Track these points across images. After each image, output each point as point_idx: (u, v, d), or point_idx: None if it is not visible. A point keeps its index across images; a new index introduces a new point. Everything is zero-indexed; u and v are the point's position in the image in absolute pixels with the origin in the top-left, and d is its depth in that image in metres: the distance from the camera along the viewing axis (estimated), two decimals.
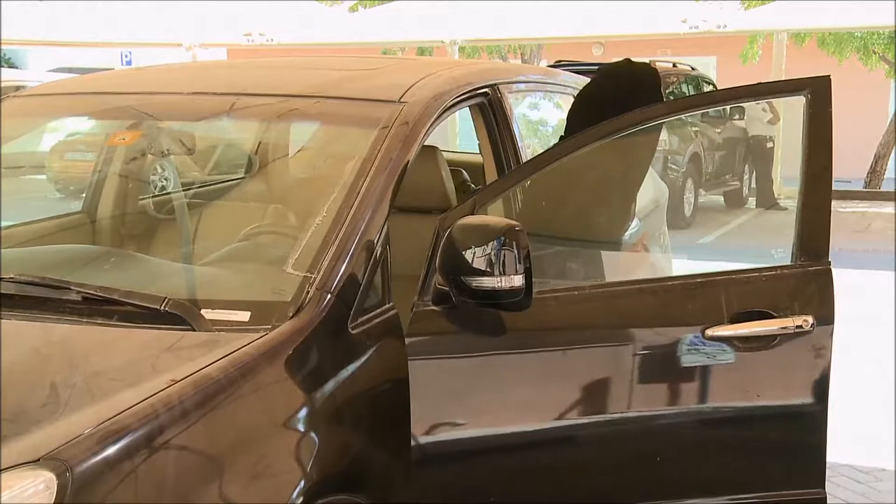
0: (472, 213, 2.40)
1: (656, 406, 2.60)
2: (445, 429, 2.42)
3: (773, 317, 2.54)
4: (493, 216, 2.61)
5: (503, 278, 2.22)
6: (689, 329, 2.53)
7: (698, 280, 2.59)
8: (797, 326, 2.53)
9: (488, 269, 2.22)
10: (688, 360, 2.56)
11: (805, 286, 2.59)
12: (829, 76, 2.70)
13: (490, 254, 2.22)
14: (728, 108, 13.61)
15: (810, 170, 2.62)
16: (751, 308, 2.54)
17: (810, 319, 2.53)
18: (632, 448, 2.62)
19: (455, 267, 2.26)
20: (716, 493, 2.68)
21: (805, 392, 2.64)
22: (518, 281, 2.23)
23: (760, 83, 2.80)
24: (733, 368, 2.58)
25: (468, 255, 2.24)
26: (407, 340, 2.31)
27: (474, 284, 2.23)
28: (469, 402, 2.46)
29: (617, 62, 3.20)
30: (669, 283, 2.73)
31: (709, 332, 2.52)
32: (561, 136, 3.07)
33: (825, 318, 2.56)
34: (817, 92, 2.66)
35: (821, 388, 2.60)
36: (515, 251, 2.23)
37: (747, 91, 2.77)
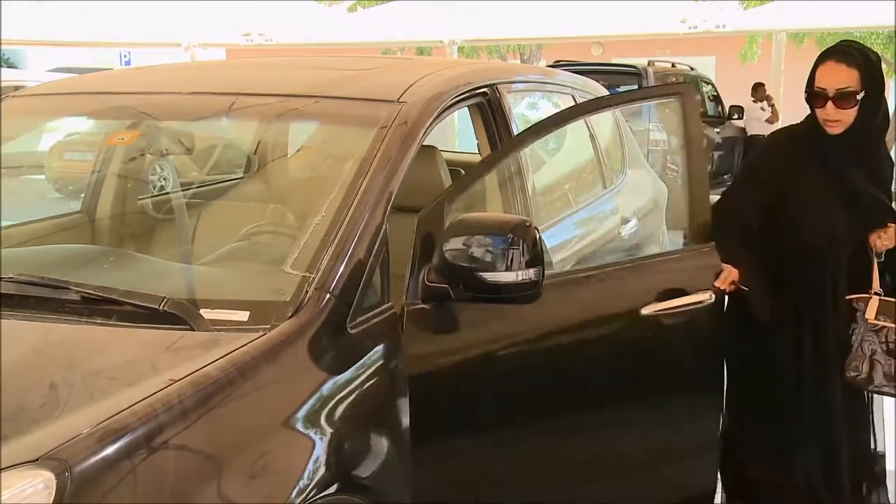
0: (446, 211, 2.43)
1: (603, 381, 2.82)
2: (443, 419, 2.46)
3: (687, 293, 2.87)
4: (500, 213, 2.78)
5: (521, 272, 2.28)
6: (627, 309, 2.81)
7: (627, 266, 2.94)
8: (702, 301, 2.91)
9: (502, 265, 2.27)
10: (627, 335, 2.84)
11: (703, 266, 2.97)
12: (691, 84, 3.01)
13: (504, 248, 2.28)
14: (729, 109, 13.67)
15: (691, 166, 3.02)
16: (670, 287, 2.87)
17: (709, 294, 2.91)
18: (586, 421, 2.79)
19: (464, 263, 2.29)
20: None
21: (712, 356, 3.04)
22: (534, 274, 2.29)
23: (636, 90, 3.07)
24: (661, 342, 2.88)
25: (479, 250, 2.28)
26: (405, 340, 2.32)
27: (490, 279, 2.27)
28: (466, 393, 2.52)
29: None
30: (607, 269, 2.96)
31: (643, 311, 2.78)
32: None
33: (718, 291, 2.96)
34: (686, 97, 3.07)
35: (722, 352, 3.05)
36: (529, 245, 2.29)
37: (624, 98, 3.32)
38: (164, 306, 2.11)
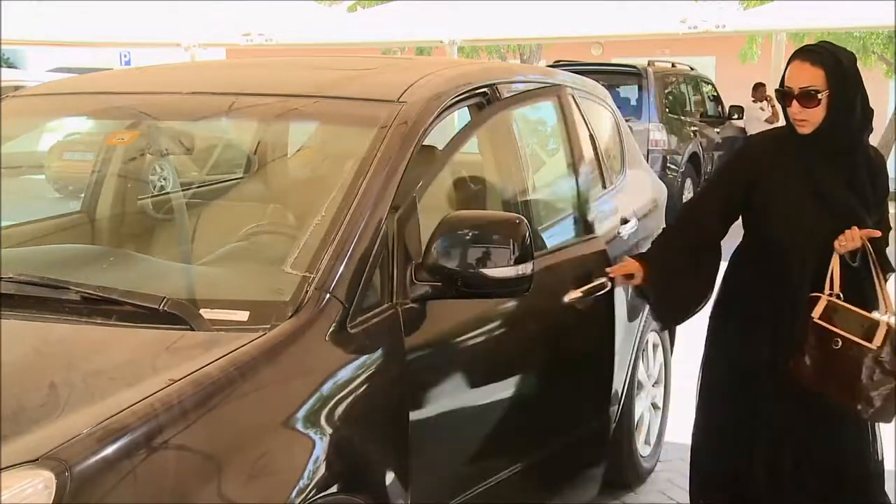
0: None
1: (533, 365, 2.96)
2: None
3: (592, 280, 3.04)
4: (493, 211, 2.89)
5: (520, 266, 2.36)
6: (552, 298, 2.96)
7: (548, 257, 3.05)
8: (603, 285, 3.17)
9: (495, 261, 2.34)
10: (553, 321, 3.00)
11: (599, 256, 3.26)
12: (563, 87, 3.50)
13: (497, 245, 2.36)
14: (729, 109, 13.67)
15: (573, 160, 3.30)
16: (581, 274, 3.08)
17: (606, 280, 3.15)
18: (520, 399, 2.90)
19: (461, 259, 2.33)
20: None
21: (607, 334, 3.30)
22: (528, 269, 2.38)
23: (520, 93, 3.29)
24: (573, 324, 3.07)
25: (477, 247, 2.35)
26: (405, 338, 2.33)
27: (490, 275, 2.34)
28: (460, 384, 2.61)
29: None
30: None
31: (565, 299, 2.92)
32: None
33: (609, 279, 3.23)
34: (561, 97, 3.36)
35: (613, 329, 3.33)
36: (522, 241, 2.36)
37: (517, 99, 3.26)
38: (163, 306, 2.11)
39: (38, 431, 1.73)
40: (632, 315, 3.78)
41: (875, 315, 2.94)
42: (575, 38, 14.58)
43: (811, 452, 3.10)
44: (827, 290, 2.95)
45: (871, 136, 3.14)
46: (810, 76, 2.93)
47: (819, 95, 2.92)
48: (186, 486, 1.78)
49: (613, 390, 3.67)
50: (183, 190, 3.14)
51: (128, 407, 1.78)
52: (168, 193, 3.23)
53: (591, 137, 3.87)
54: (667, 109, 11.89)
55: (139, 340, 2.10)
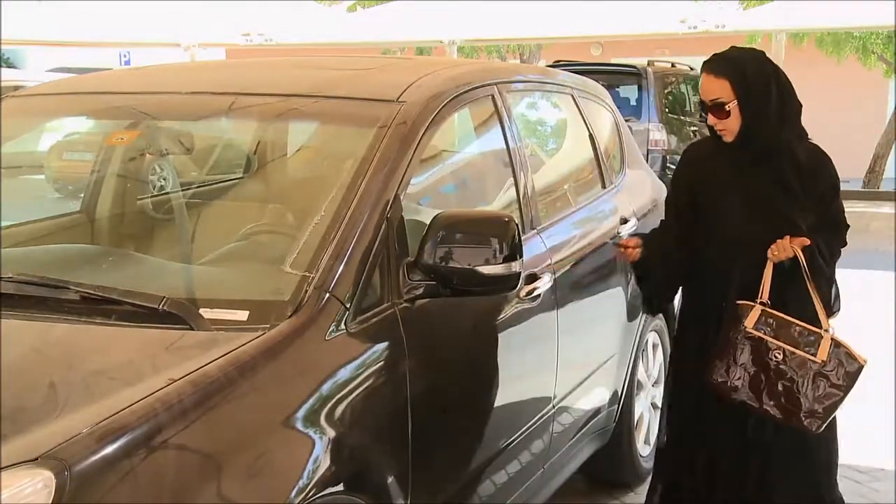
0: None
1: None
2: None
3: (538, 277, 2.99)
4: (485, 209, 2.92)
5: (513, 264, 2.39)
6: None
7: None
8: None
9: (489, 258, 2.36)
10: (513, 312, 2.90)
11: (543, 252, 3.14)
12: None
13: (487, 243, 2.38)
14: None
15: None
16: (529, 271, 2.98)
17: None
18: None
19: (454, 257, 2.35)
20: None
21: (550, 325, 3.13)
22: (518, 266, 2.41)
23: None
24: (534, 317, 3.00)
25: (469, 246, 2.36)
26: (405, 337, 2.33)
27: (486, 272, 2.36)
28: (461, 383, 2.64)
29: None
30: None
31: (521, 294, 2.87)
32: None
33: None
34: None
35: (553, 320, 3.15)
36: (512, 239, 2.39)
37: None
38: (163, 306, 2.11)
39: (38, 431, 1.73)
40: (632, 315, 3.78)
41: (814, 327, 2.90)
42: (575, 38, 14.59)
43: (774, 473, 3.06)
44: (759, 299, 2.92)
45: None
46: (716, 88, 2.94)
47: (727, 106, 2.93)
48: (186, 485, 1.78)
49: (613, 390, 3.68)
50: (183, 190, 3.14)
51: (127, 406, 1.77)
52: (168, 193, 3.23)
53: (591, 137, 3.88)
54: (666, 109, 11.89)
55: (139, 340, 2.10)
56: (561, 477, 3.37)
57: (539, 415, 3.07)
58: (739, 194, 3.01)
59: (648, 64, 12.12)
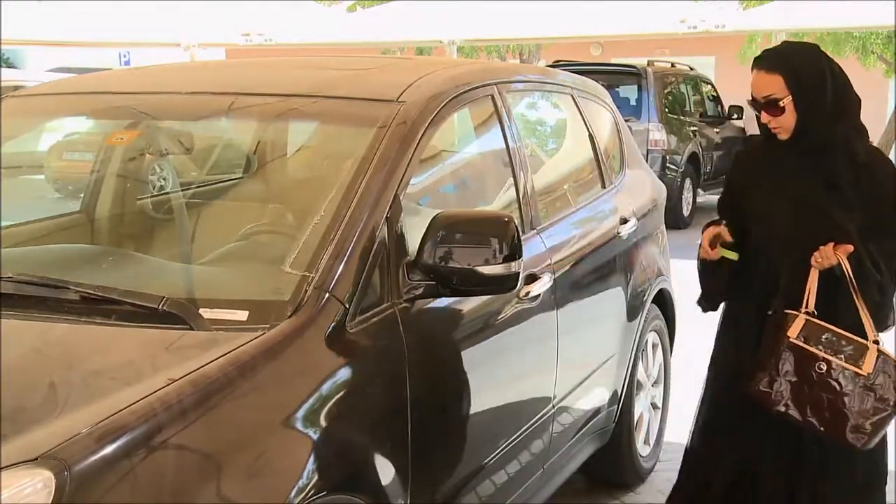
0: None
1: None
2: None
3: (537, 277, 2.96)
4: (485, 209, 2.91)
5: (513, 263, 2.38)
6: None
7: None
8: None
9: (489, 258, 2.35)
10: (512, 312, 2.89)
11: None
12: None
13: (488, 243, 2.37)
14: (728, 109, 13.67)
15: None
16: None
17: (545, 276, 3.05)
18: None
19: (453, 257, 2.34)
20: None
21: (550, 325, 3.10)
22: (518, 266, 2.40)
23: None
24: (533, 317, 2.99)
25: (468, 245, 2.36)
26: (405, 337, 2.33)
27: (485, 272, 2.35)
28: (460, 383, 2.62)
29: None
30: None
31: (521, 294, 2.85)
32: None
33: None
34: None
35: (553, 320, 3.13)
36: (512, 239, 2.38)
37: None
38: (163, 306, 2.11)
39: (38, 431, 1.72)
40: (631, 315, 3.78)
41: (860, 338, 2.80)
42: (575, 38, 14.59)
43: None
44: (804, 308, 2.83)
45: (858, 130, 2.95)
46: (769, 84, 2.87)
47: (781, 103, 2.85)
48: (186, 485, 1.78)
49: (613, 390, 3.68)
50: (182, 190, 3.14)
51: (127, 406, 1.77)
52: (167, 193, 3.23)
53: (591, 137, 3.88)
54: (666, 109, 11.90)
55: (139, 340, 2.10)
56: (561, 477, 3.37)
57: (539, 415, 3.07)
58: (788, 194, 2.93)
59: (648, 64, 12.13)
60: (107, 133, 3.29)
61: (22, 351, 2.07)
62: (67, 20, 13.38)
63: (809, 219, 2.90)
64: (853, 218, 2.86)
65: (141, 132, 3.10)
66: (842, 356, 2.78)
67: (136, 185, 3.30)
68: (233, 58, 14.42)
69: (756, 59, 2.94)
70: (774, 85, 2.86)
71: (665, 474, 4.09)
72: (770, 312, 2.92)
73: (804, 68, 2.87)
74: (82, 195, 3.35)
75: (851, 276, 2.80)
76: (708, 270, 3.14)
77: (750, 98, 2.94)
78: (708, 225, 3.11)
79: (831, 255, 2.81)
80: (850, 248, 2.81)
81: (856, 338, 2.80)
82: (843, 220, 2.86)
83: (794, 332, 2.80)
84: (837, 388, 2.77)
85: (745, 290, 3.05)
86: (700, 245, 3.09)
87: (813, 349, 2.78)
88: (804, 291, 2.85)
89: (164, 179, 3.44)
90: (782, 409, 2.83)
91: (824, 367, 2.77)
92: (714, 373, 3.23)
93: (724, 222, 3.06)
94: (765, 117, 2.90)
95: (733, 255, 3.01)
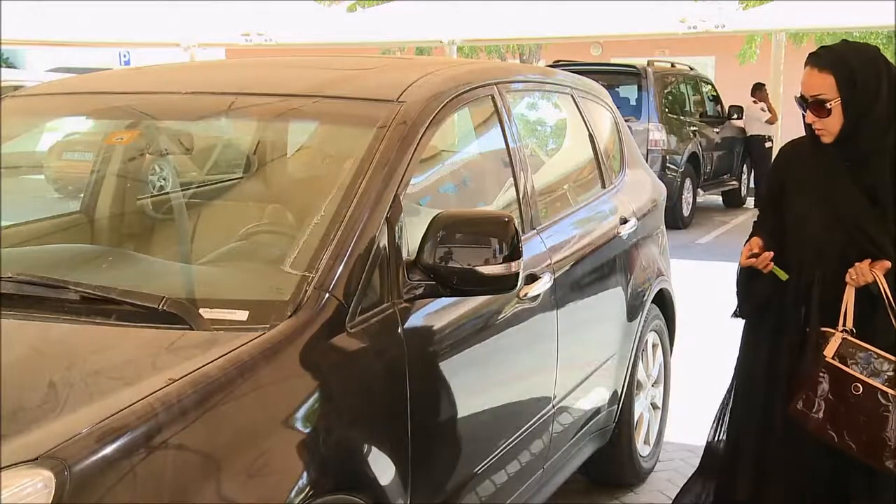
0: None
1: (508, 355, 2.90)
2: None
3: (537, 277, 2.96)
4: (485, 209, 2.91)
5: (513, 263, 2.38)
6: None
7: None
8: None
9: (489, 258, 2.36)
10: (512, 312, 2.88)
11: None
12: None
13: (488, 243, 2.37)
14: (728, 109, 13.68)
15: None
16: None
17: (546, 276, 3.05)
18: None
19: (453, 257, 2.35)
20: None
21: (550, 325, 3.10)
22: (518, 266, 2.40)
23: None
24: (533, 317, 2.99)
25: (468, 245, 2.36)
26: (405, 338, 2.33)
27: (485, 272, 2.35)
28: (460, 382, 2.61)
29: None
30: None
31: (521, 294, 2.85)
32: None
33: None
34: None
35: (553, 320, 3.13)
36: (512, 239, 2.38)
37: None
38: (163, 306, 2.11)
39: (38, 430, 1.73)
40: (631, 315, 3.78)
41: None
42: (575, 38, 14.60)
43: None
44: (840, 326, 2.71)
45: None
46: (819, 83, 2.73)
47: (828, 104, 2.72)
48: (186, 485, 1.78)
49: (613, 390, 3.68)
50: (182, 190, 3.14)
51: (127, 406, 1.77)
52: (167, 193, 3.23)
53: (591, 137, 3.88)
54: (666, 109, 11.90)
55: (138, 340, 2.10)
56: (561, 477, 3.38)
57: (539, 415, 3.07)
58: (825, 201, 2.80)
59: (648, 64, 12.13)
60: (106, 133, 3.29)
61: (22, 351, 2.07)
62: (67, 20, 13.39)
63: (844, 230, 2.78)
64: (891, 233, 2.74)
65: (141, 132, 3.10)
66: (879, 377, 2.67)
67: (135, 185, 3.30)
68: (233, 58, 14.43)
69: (810, 55, 2.80)
70: (825, 85, 2.73)
71: (665, 474, 4.10)
72: (808, 329, 2.82)
73: (859, 71, 2.72)
74: (82, 195, 3.35)
75: (889, 294, 2.70)
76: (749, 280, 2.99)
77: (798, 95, 2.81)
78: (751, 236, 2.98)
79: (867, 273, 2.70)
80: (888, 264, 2.71)
81: (894, 358, 2.68)
82: (880, 236, 2.74)
83: (829, 351, 2.69)
84: (875, 410, 2.65)
85: (781, 299, 2.91)
86: (743, 253, 2.95)
87: (849, 370, 2.68)
88: (838, 305, 2.74)
89: (163, 179, 3.44)
90: (819, 429, 2.73)
91: (860, 389, 2.66)
92: (742, 380, 3.09)
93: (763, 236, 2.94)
94: (809, 117, 2.78)
95: (783, 276, 2.86)
